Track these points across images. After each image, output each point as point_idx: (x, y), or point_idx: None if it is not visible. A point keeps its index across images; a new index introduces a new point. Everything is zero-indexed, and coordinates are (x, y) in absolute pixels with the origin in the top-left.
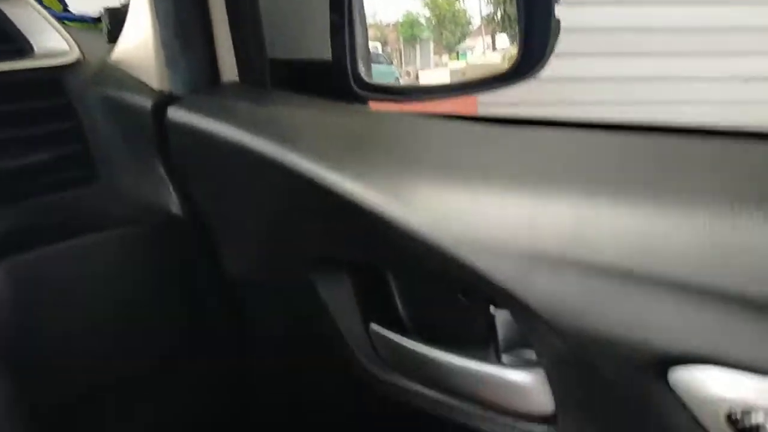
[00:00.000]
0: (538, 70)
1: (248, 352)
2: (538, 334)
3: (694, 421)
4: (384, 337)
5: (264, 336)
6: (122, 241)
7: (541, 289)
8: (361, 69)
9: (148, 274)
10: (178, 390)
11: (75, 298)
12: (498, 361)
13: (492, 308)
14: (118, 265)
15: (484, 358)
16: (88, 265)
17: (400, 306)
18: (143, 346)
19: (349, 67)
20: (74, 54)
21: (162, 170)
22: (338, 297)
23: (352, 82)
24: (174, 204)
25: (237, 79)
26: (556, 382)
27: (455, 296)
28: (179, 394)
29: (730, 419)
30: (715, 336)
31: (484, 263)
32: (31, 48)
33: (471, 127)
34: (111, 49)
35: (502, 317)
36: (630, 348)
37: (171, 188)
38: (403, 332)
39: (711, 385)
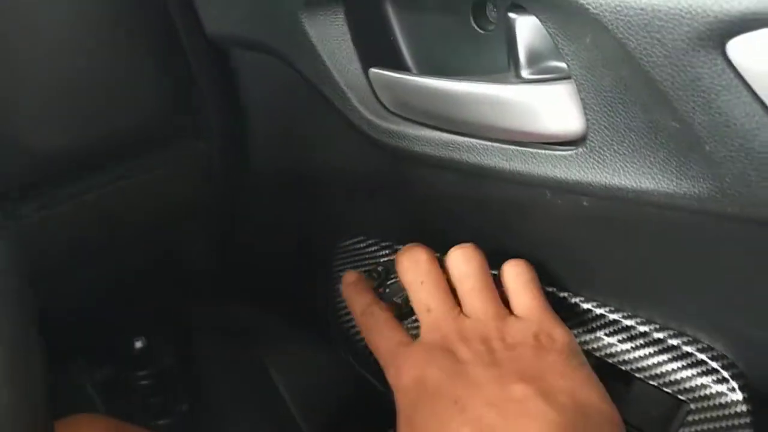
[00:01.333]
0: None
1: (240, 123)
2: (569, 29)
3: (754, 98)
4: (387, 81)
5: (256, 103)
6: None
7: None
8: None
9: (115, 30)
10: (168, 163)
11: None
12: (519, 77)
13: (511, 14)
14: (79, 18)
15: (502, 80)
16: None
17: (403, 45)
18: (124, 115)
19: None
20: None
21: None
22: (333, 41)
23: None
24: None
25: None
26: (587, 90)
27: (465, 21)
28: (169, 167)
29: None
30: None
31: None
32: None
33: None
34: None
35: (523, 24)
36: (680, 19)
37: None
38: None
39: None
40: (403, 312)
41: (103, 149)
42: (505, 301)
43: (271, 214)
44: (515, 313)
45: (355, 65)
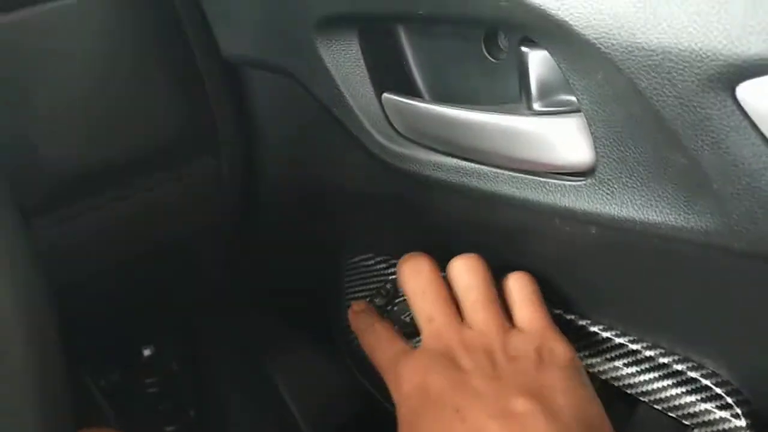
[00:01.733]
0: None
1: (252, 141)
2: (580, 65)
3: (762, 139)
4: (399, 106)
5: (269, 121)
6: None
7: (583, 4)
8: None
9: (131, 47)
10: (181, 179)
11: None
12: (530, 110)
13: (524, 48)
14: (96, 36)
15: (513, 111)
16: (64, 34)
17: (415, 71)
18: (138, 132)
19: None
20: None
21: None
22: (347, 66)
23: None
24: None
25: None
26: (597, 124)
27: (477, 49)
28: (182, 183)
29: None
30: None
31: None
32: None
33: None
34: None
35: (534, 58)
36: (691, 62)
37: None
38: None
39: None
40: (411, 330)
41: (119, 166)
42: (508, 314)
43: (280, 229)
44: (517, 325)
45: (368, 90)
